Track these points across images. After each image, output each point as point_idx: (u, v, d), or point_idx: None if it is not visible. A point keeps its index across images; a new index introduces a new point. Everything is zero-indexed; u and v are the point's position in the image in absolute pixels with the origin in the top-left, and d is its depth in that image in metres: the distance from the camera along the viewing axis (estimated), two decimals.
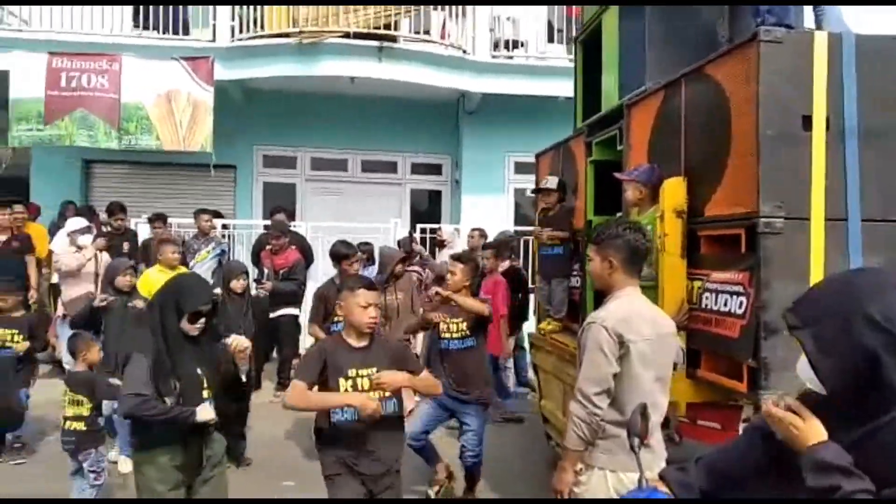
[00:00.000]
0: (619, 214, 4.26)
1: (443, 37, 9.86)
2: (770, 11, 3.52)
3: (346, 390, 3.12)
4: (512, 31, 10.14)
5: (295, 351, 7.84)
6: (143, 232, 8.73)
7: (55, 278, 7.75)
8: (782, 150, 3.01)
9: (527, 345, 8.07)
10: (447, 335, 4.74)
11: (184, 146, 9.31)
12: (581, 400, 2.65)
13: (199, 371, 3.14)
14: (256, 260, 8.15)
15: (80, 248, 7.17)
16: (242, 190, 11.13)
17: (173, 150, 9.41)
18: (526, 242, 9.40)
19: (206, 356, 3.19)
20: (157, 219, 8.54)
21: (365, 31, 9.21)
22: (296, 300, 7.54)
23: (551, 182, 5.15)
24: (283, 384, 7.53)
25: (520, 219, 10.60)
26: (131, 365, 3.05)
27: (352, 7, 9.18)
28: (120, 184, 10.83)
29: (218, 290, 7.03)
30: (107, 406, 4.73)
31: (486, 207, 10.50)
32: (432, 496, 4.97)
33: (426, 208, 11.54)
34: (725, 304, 3.26)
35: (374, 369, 3.16)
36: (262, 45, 9.46)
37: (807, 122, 3.00)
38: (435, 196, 11.68)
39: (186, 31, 9.90)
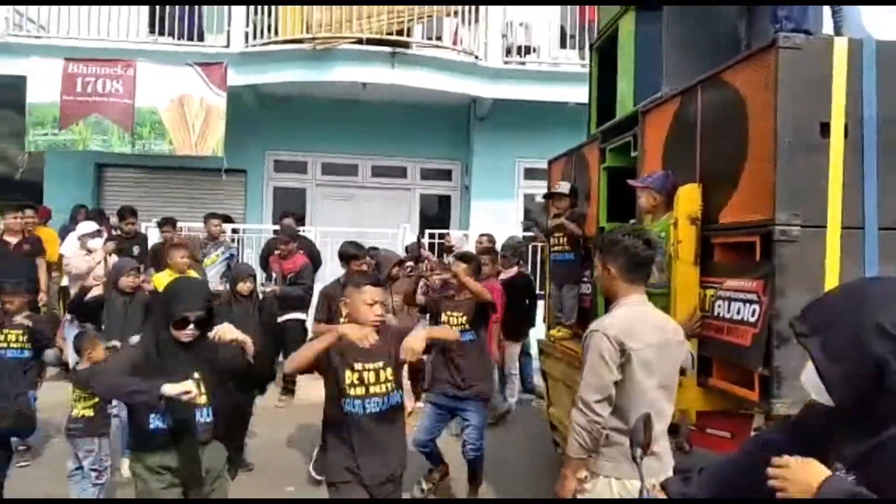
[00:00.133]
0: (632, 221, 4.24)
1: (455, 43, 9.88)
2: (788, 17, 3.50)
3: (351, 383, 3.12)
4: (524, 37, 10.14)
5: None
6: (154, 236, 8.78)
7: (65, 281, 7.80)
8: (799, 157, 2.98)
9: (533, 351, 8.10)
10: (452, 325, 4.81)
11: (196, 151, 9.36)
12: (582, 408, 2.65)
13: (194, 376, 3.04)
14: (265, 264, 8.16)
15: (90, 251, 7.21)
16: (253, 194, 11.17)
17: (185, 155, 9.46)
18: (534, 248, 9.39)
19: (203, 361, 3.11)
20: (167, 223, 8.58)
21: (378, 37, 9.25)
22: (303, 305, 7.54)
23: (563, 187, 5.13)
24: (287, 389, 7.53)
25: (529, 224, 10.56)
26: (116, 354, 3.05)
27: (365, 13, 9.22)
28: (132, 188, 10.91)
29: (220, 287, 7.16)
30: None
31: (496, 213, 10.50)
32: (424, 489, 5.09)
33: (436, 213, 11.55)
34: (738, 312, 3.23)
35: (381, 363, 3.16)
36: (275, 50, 9.52)
37: (825, 129, 2.97)
38: (444, 201, 11.70)
39: (201, 38, 9.99)
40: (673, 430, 3.88)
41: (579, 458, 2.68)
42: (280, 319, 7.39)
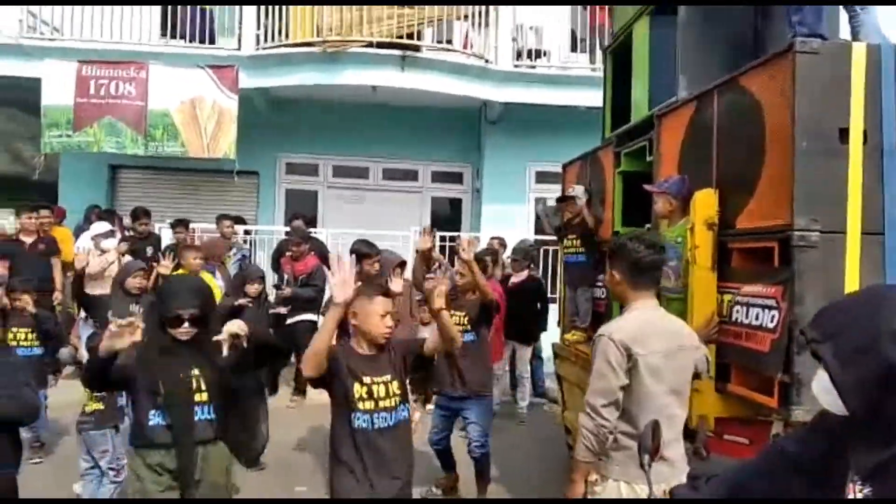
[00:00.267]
0: (647, 226, 4.24)
1: (465, 46, 9.89)
2: (801, 22, 3.49)
3: (360, 397, 2.99)
4: (535, 41, 10.14)
5: None
6: (167, 237, 8.82)
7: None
8: (818, 162, 2.97)
9: (545, 355, 8.10)
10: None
11: (208, 153, 9.41)
12: (589, 412, 2.67)
13: (194, 373, 3.05)
14: (276, 266, 8.20)
15: (103, 251, 7.25)
16: (265, 196, 11.22)
17: (198, 157, 9.51)
18: (546, 252, 9.38)
19: (205, 358, 3.09)
20: (180, 224, 8.64)
21: (388, 40, 9.26)
22: (314, 306, 7.56)
23: (577, 191, 5.13)
24: (299, 389, 7.56)
25: (540, 228, 10.57)
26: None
27: (375, 17, 9.24)
28: (145, 189, 10.97)
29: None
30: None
31: (507, 216, 10.49)
32: (435, 492, 5.13)
33: (446, 216, 11.54)
34: (757, 318, 3.22)
35: (388, 376, 3.05)
36: (286, 53, 9.55)
37: (843, 134, 2.96)
38: (455, 204, 11.70)
39: (212, 40, 10.04)
40: (690, 435, 3.88)
41: (587, 461, 2.70)
42: (292, 321, 7.44)
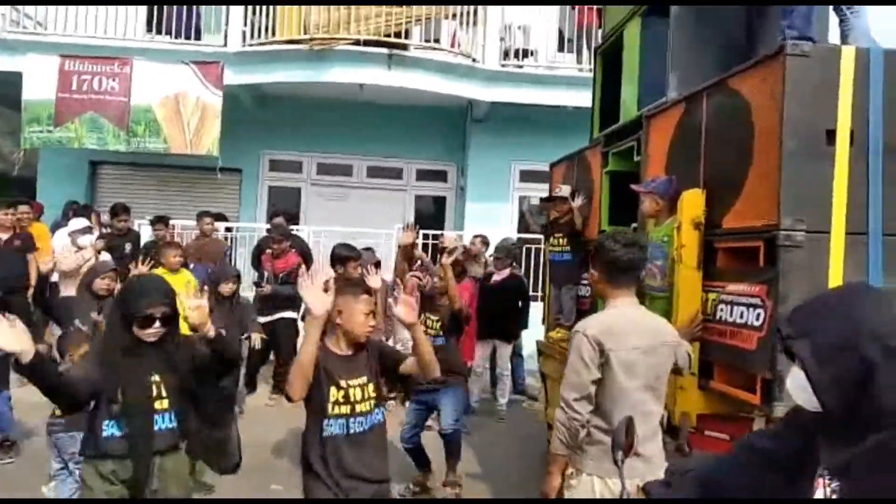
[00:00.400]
0: (634, 225, 4.27)
1: (453, 45, 9.90)
2: (790, 26, 3.53)
3: (336, 401, 2.89)
4: (522, 40, 10.17)
5: (293, 354, 7.83)
6: (147, 234, 8.74)
7: (55, 277, 7.73)
8: (805, 163, 3.01)
9: (525, 352, 8.14)
10: (426, 328, 5.00)
11: (191, 149, 9.36)
12: (562, 405, 2.73)
13: (154, 378, 2.89)
14: (257, 263, 8.14)
15: (80, 248, 7.17)
16: (248, 193, 11.16)
17: (180, 154, 9.44)
18: (528, 250, 9.42)
19: (167, 362, 2.93)
20: (159, 221, 8.54)
21: (375, 38, 9.25)
22: (294, 303, 7.52)
23: (564, 191, 5.16)
24: (278, 387, 7.51)
25: (524, 227, 10.63)
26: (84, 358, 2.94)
27: (363, 15, 9.22)
28: (126, 185, 10.87)
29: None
30: None
31: (491, 215, 10.51)
32: (407, 493, 5.15)
33: (430, 215, 11.54)
34: (742, 316, 3.26)
35: (364, 378, 2.95)
36: (272, 50, 9.51)
37: (831, 136, 3.00)
38: (440, 202, 11.71)
39: (198, 36, 9.98)
40: (673, 432, 3.91)
41: (561, 454, 2.76)
42: (272, 318, 7.40)
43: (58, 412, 4.32)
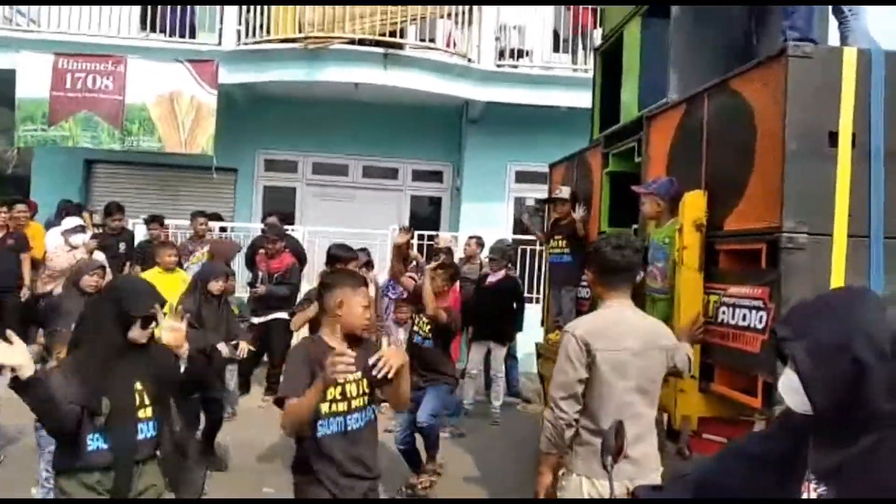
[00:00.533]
0: (634, 227, 4.27)
1: (448, 45, 9.88)
2: (792, 27, 3.53)
3: (334, 398, 2.80)
4: (518, 41, 10.16)
5: (286, 355, 7.78)
6: (141, 233, 8.70)
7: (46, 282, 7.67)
8: (807, 165, 3.01)
9: (519, 354, 8.15)
10: (417, 329, 5.28)
11: (185, 148, 9.30)
12: (549, 404, 2.77)
13: (137, 386, 2.79)
14: (251, 263, 8.11)
15: (73, 247, 7.13)
16: (243, 193, 11.11)
17: (175, 153, 9.39)
18: (524, 252, 9.42)
19: (148, 368, 2.84)
20: (154, 220, 8.52)
21: (371, 37, 9.22)
22: (288, 304, 7.49)
23: (564, 192, 5.16)
24: (272, 388, 7.49)
25: (519, 228, 10.64)
26: (64, 362, 2.78)
27: (358, 14, 9.18)
28: (121, 184, 10.81)
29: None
30: None
31: (486, 215, 10.50)
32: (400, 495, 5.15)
33: (426, 215, 11.53)
34: (744, 319, 3.25)
35: (359, 373, 2.84)
36: (267, 49, 9.46)
37: (833, 138, 3.00)
38: (435, 203, 11.69)
39: (193, 35, 9.92)
40: (674, 435, 3.91)
41: (549, 452, 2.80)
42: (265, 319, 7.38)
43: None
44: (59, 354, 4.34)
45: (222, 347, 5.30)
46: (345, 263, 5.45)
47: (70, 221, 7.48)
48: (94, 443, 2.71)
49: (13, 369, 2.41)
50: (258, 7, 9.56)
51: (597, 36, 9.71)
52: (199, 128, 9.26)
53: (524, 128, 10.18)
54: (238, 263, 8.40)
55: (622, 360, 2.73)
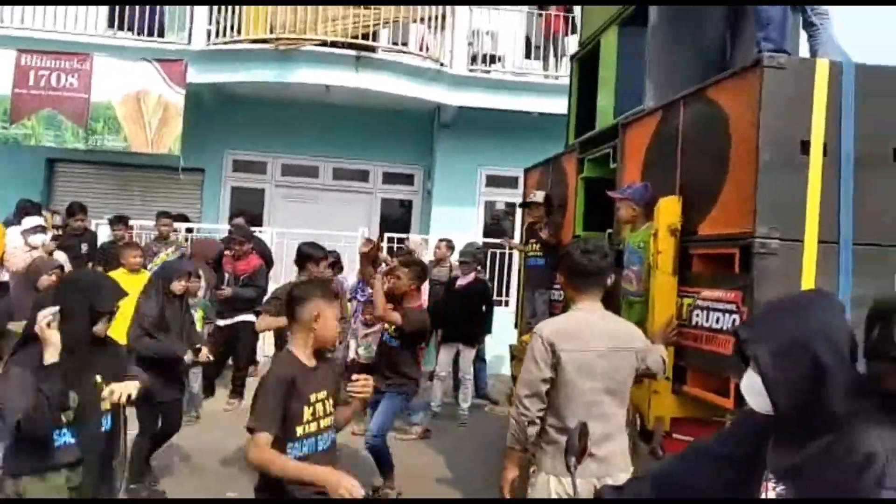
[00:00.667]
0: (609, 231, 4.33)
1: (421, 49, 9.90)
2: (766, 38, 3.63)
3: (307, 420, 2.71)
4: (490, 46, 10.23)
5: (252, 358, 7.73)
6: (104, 234, 8.53)
7: (5, 276, 7.49)
8: (780, 173, 3.08)
9: (488, 357, 8.19)
10: (387, 327, 5.22)
11: (151, 148, 9.18)
12: (515, 401, 2.85)
13: (99, 380, 2.80)
14: (217, 265, 8.00)
15: (33, 247, 6.95)
16: (210, 194, 10.96)
17: (141, 152, 9.24)
18: (493, 255, 9.48)
19: (108, 362, 2.86)
20: (119, 221, 8.34)
21: (343, 40, 9.19)
22: (255, 306, 7.39)
23: (538, 196, 5.21)
24: (237, 392, 7.41)
25: (489, 231, 10.70)
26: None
27: (330, 16, 9.15)
28: (84, 184, 10.59)
29: None
30: None
31: (457, 219, 10.53)
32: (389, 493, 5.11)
33: (397, 218, 11.51)
34: (717, 322, 3.31)
35: (325, 392, 2.79)
36: (237, 49, 9.37)
37: (805, 146, 3.08)
38: (406, 206, 11.68)
39: (161, 33, 9.77)
40: (647, 436, 3.96)
41: (514, 448, 2.87)
42: (232, 321, 7.28)
43: None
44: (12, 355, 4.23)
45: (187, 358, 5.18)
46: (316, 262, 5.36)
47: (30, 221, 7.29)
48: (61, 438, 2.67)
49: None
50: (229, 7, 9.46)
51: (568, 43, 9.86)
52: (166, 127, 9.16)
53: (495, 132, 10.25)
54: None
55: (588, 360, 2.79)
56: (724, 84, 3.38)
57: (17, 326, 4.17)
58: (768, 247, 3.07)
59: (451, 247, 8.32)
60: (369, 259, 5.76)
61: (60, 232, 8.17)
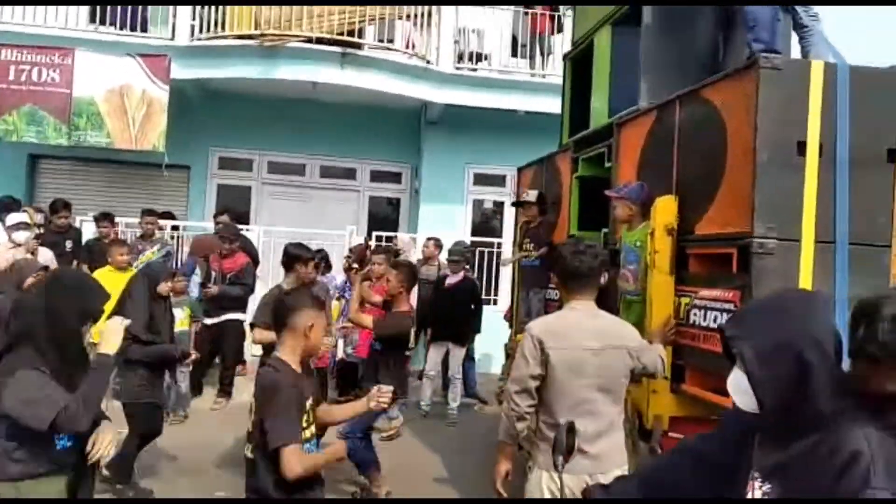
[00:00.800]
0: (604, 230, 4.34)
1: (407, 46, 9.86)
2: (757, 40, 3.66)
3: (303, 427, 2.75)
4: (477, 44, 10.22)
5: (239, 357, 7.68)
6: (89, 231, 8.42)
7: None
8: (777, 173, 3.11)
9: (477, 356, 8.20)
10: None
11: (135, 145, 9.06)
12: (506, 397, 2.93)
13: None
14: (204, 262, 7.92)
15: (17, 244, 6.85)
16: (196, 191, 10.84)
17: (124, 149, 9.13)
18: (482, 254, 9.48)
19: (86, 363, 2.80)
20: (104, 218, 8.24)
21: (328, 36, 9.12)
22: (242, 305, 7.37)
23: (532, 195, 5.21)
24: (224, 390, 7.36)
25: (477, 229, 10.71)
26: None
27: (316, 13, 9.07)
28: (68, 180, 10.44)
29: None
30: None
31: (445, 217, 10.52)
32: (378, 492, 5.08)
33: (385, 216, 11.48)
34: (715, 321, 3.33)
35: (311, 399, 2.84)
36: (222, 45, 9.27)
37: (801, 147, 3.12)
38: (394, 204, 11.65)
39: (144, 28, 9.66)
40: (646, 435, 3.99)
41: (505, 442, 2.93)
42: (218, 320, 7.23)
43: None
44: None
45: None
46: (304, 263, 5.30)
47: (13, 217, 7.18)
48: (61, 441, 2.64)
49: None
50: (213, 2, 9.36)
51: (554, 42, 9.88)
52: (150, 123, 9.03)
53: (483, 131, 10.25)
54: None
55: (578, 358, 2.81)
56: (719, 85, 3.41)
57: None
58: (766, 247, 3.10)
59: (439, 245, 8.31)
60: (360, 255, 5.72)
61: (42, 231, 8.05)
